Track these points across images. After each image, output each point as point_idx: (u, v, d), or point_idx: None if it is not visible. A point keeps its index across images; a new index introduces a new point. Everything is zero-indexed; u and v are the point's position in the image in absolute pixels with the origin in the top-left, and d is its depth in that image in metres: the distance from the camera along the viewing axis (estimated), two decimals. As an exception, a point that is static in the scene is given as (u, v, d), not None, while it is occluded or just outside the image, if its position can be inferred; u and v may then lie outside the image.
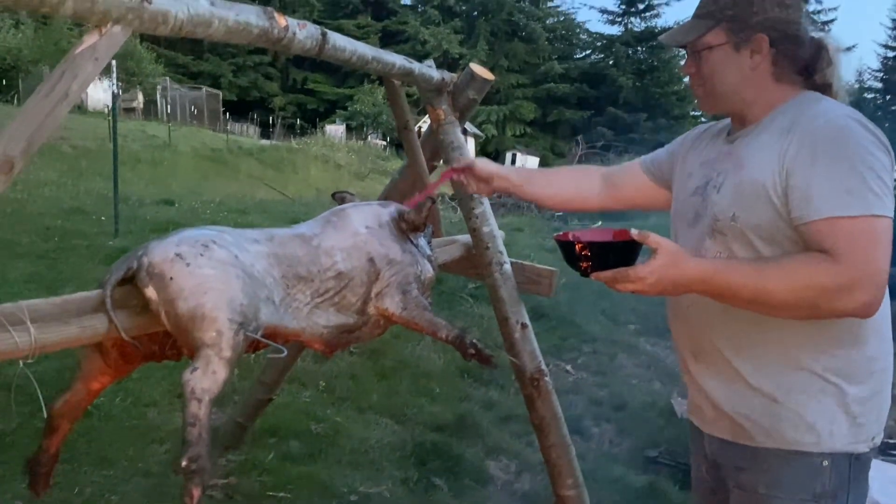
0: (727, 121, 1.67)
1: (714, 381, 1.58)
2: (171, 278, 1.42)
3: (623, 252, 1.39)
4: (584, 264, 1.39)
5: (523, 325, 2.54)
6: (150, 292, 1.42)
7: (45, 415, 1.64)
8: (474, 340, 1.90)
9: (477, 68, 2.56)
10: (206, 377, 1.35)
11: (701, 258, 1.44)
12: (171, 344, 1.59)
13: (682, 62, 1.64)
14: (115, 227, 7.53)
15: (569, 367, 5.30)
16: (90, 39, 1.23)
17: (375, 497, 3.27)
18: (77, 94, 1.20)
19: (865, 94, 43.32)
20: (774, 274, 1.36)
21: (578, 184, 1.97)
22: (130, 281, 1.46)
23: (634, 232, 1.35)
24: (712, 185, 1.55)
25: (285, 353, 1.49)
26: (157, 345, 1.61)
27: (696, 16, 1.57)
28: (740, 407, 1.53)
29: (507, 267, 2.55)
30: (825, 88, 1.55)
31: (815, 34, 1.56)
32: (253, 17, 1.59)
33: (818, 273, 1.33)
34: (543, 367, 2.56)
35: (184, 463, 1.25)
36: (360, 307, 1.81)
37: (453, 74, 2.59)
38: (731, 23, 1.50)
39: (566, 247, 1.43)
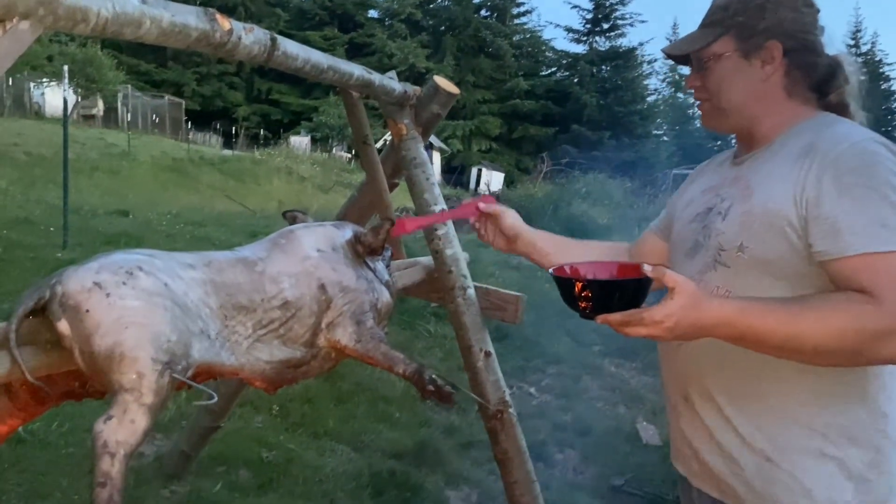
0: (732, 150, 1.54)
1: (702, 430, 1.42)
2: (87, 311, 1.24)
3: (632, 291, 1.20)
4: (585, 304, 1.20)
5: (487, 354, 2.40)
6: (63, 326, 1.25)
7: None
8: (433, 376, 1.74)
9: (442, 81, 2.43)
10: (123, 427, 1.18)
11: (724, 298, 1.26)
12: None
13: (686, 76, 1.50)
14: (64, 239, 7.23)
15: (532, 390, 5.17)
16: (-10, 36, 1.06)
17: (328, 531, 3.10)
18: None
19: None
20: (809, 316, 1.19)
21: (608, 257, 1.73)
22: (42, 312, 1.28)
23: (647, 268, 1.18)
24: (716, 211, 1.41)
25: (215, 399, 1.31)
26: (77, 381, 1.43)
27: (703, 25, 1.45)
28: (729, 463, 1.37)
29: (471, 292, 2.41)
30: (841, 109, 1.42)
31: (832, 51, 1.43)
32: (192, 17, 1.43)
33: (860, 316, 1.17)
34: (508, 398, 2.41)
35: (88, 534, 1.07)
36: (308, 339, 1.65)
37: (416, 88, 2.45)
38: (741, 29, 1.38)
39: (564, 284, 1.22)
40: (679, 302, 1.16)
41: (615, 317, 1.17)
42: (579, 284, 1.20)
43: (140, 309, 1.27)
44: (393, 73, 2.46)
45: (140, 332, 1.24)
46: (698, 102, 1.48)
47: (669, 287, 1.17)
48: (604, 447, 4.34)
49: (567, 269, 1.31)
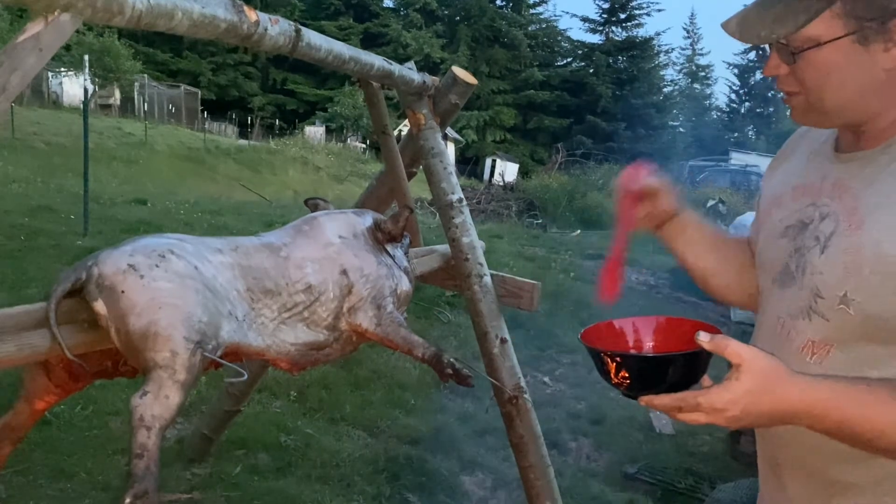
0: (834, 130, 1.18)
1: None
2: (123, 292, 1.30)
3: (682, 366, 0.97)
4: (622, 382, 0.98)
5: (503, 340, 2.44)
6: (100, 307, 1.30)
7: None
8: (452, 360, 1.79)
9: (459, 72, 2.46)
10: (158, 402, 1.23)
11: (812, 379, 0.95)
12: (126, 360, 1.47)
13: (766, 59, 1.10)
14: (85, 227, 7.34)
15: (546, 379, 5.21)
16: (34, 28, 1.12)
17: (346, 514, 3.16)
18: (17, 89, 1.08)
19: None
20: None
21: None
22: (79, 293, 1.34)
23: (704, 338, 0.92)
24: (813, 233, 1.08)
25: (245, 376, 1.37)
26: (110, 361, 1.49)
27: None
28: None
29: (488, 279, 2.45)
30: None
31: None
32: (220, 9, 1.47)
33: None
34: (523, 384, 2.46)
35: (128, 500, 1.13)
36: (331, 323, 1.70)
37: (435, 78, 2.49)
38: (855, 3, 0.98)
39: (595, 356, 1.00)
40: (746, 385, 0.91)
41: (663, 401, 0.95)
42: (610, 362, 0.98)
43: (173, 290, 1.32)
44: (412, 64, 2.50)
45: (173, 312, 1.29)
46: (782, 95, 1.11)
47: (734, 364, 0.92)
48: (617, 436, 4.38)
49: (601, 331, 1.09)
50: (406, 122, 2.54)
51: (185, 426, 3.59)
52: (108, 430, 3.46)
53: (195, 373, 1.30)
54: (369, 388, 4.47)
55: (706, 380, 0.98)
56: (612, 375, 0.97)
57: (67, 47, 22.37)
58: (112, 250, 1.38)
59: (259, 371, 3.06)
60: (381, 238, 1.94)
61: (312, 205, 2.05)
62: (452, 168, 2.55)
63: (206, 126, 29.19)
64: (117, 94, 27.11)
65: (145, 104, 25.85)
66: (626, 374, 0.96)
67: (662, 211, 1.30)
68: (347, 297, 1.74)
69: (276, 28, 1.63)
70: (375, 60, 2.13)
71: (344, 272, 1.75)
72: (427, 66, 35.62)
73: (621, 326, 1.12)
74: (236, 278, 1.51)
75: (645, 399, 0.97)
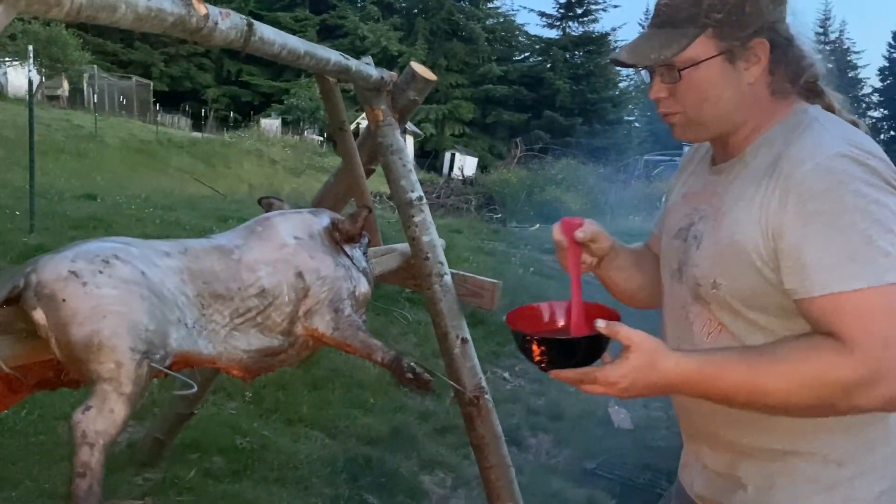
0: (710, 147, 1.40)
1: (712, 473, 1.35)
2: (64, 300, 1.23)
3: (586, 347, 1.15)
4: (539, 359, 1.16)
5: (463, 340, 2.41)
6: (39, 315, 1.23)
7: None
8: (412, 363, 1.75)
9: (419, 68, 2.42)
10: (102, 417, 1.17)
11: (684, 354, 1.14)
12: (69, 371, 1.39)
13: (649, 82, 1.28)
14: (31, 223, 7.08)
15: (506, 375, 5.22)
16: (-38, 20, 1.04)
17: (303, 517, 3.10)
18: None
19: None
20: (774, 371, 1.09)
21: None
22: (16, 301, 1.26)
23: (601, 325, 1.12)
24: (693, 234, 1.28)
25: (195, 388, 1.31)
26: (52, 371, 1.41)
27: (666, 23, 1.22)
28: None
29: (448, 279, 2.42)
30: (815, 95, 1.28)
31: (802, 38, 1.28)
32: (167, 2, 1.41)
33: (829, 367, 1.07)
34: (484, 384, 2.43)
35: (68, 525, 1.07)
36: (286, 328, 1.65)
37: (393, 73, 2.44)
38: (722, 28, 1.18)
39: (518, 336, 1.19)
40: (634, 362, 1.10)
41: (568, 374, 1.14)
42: (530, 341, 1.15)
43: (117, 297, 1.26)
44: (369, 59, 2.44)
45: (118, 320, 1.23)
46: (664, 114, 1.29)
47: (625, 345, 1.11)
48: (576, 431, 4.40)
49: (522, 315, 1.27)
50: (364, 115, 2.49)
51: (137, 429, 3.49)
52: (55, 435, 3.33)
53: (142, 384, 1.24)
54: (327, 388, 4.41)
55: (606, 357, 1.16)
56: (533, 354, 1.15)
57: (12, 36, 21.66)
58: (52, 256, 1.31)
59: (212, 373, 2.98)
60: (338, 238, 1.89)
61: (267, 204, 1.99)
62: (412, 165, 2.51)
63: (159, 118, 28.57)
64: (65, 85, 26.31)
65: (95, 96, 25.13)
66: (543, 353, 1.15)
67: (601, 252, 1.42)
68: (303, 301, 1.69)
69: (226, 22, 1.57)
70: (332, 56, 2.08)
71: (299, 274, 1.69)
72: (385, 59, 35.39)
73: (541, 309, 1.31)
74: (185, 283, 1.45)
75: (555, 373, 1.15)
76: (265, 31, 1.72)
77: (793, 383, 1.08)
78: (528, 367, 5.42)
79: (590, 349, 1.15)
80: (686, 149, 1.50)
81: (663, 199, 1.52)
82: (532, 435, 4.32)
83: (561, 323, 1.30)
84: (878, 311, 1.05)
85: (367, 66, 2.30)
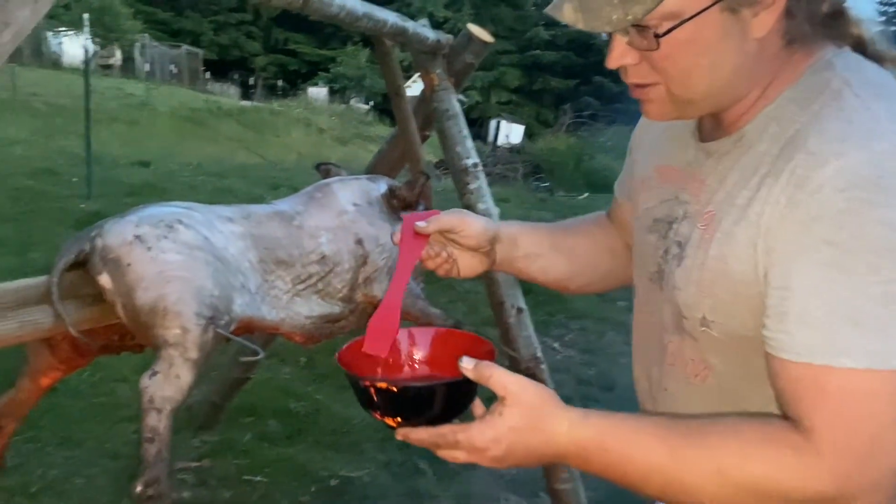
0: None
1: None
2: (129, 264, 1.23)
3: (449, 395, 0.83)
4: (382, 411, 0.84)
5: (519, 310, 2.38)
6: (105, 280, 1.24)
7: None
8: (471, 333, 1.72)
9: (475, 29, 2.36)
10: (168, 383, 1.17)
11: (582, 415, 0.83)
12: (133, 335, 1.40)
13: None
14: (88, 189, 7.26)
15: (556, 345, 5.17)
16: (27, -20, 1.02)
17: (357, 481, 3.13)
18: (10, 45, 1.00)
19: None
20: (702, 463, 0.78)
21: (612, 248, 1.20)
22: (83, 266, 1.27)
23: (468, 364, 0.81)
24: (675, 236, 0.93)
25: (262, 355, 1.30)
26: (117, 335, 1.42)
27: None
28: None
29: (504, 247, 2.38)
30: (842, 29, 0.88)
31: None
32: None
33: (782, 471, 0.76)
34: (539, 353, 2.40)
35: (138, 489, 1.07)
36: (346, 294, 1.64)
37: (449, 36, 2.38)
38: None
39: (350, 379, 0.86)
40: (511, 421, 0.80)
41: (419, 435, 0.83)
42: (368, 385, 0.83)
43: (182, 263, 1.25)
44: (426, 21, 2.39)
45: (183, 286, 1.23)
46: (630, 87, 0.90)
47: (499, 395, 0.81)
48: (628, 402, 4.33)
49: (353, 354, 0.93)
50: (413, 80, 2.44)
51: (195, 393, 3.55)
52: (115, 396, 3.43)
53: (207, 350, 1.24)
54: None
55: (478, 407, 0.86)
56: (372, 405, 0.84)
57: (67, 6, 22.06)
58: (117, 220, 1.31)
59: (269, 338, 3.01)
60: (395, 205, 1.86)
61: (324, 170, 1.97)
62: (467, 131, 2.46)
63: (208, 87, 28.89)
64: (118, 54, 26.76)
65: (147, 64, 25.52)
66: (385, 403, 0.83)
67: (475, 243, 1.06)
68: (362, 268, 1.67)
69: (286, -18, 1.54)
70: (389, 17, 2.04)
71: (359, 241, 1.68)
72: (431, 25, 35.04)
73: (398, 339, 0.98)
74: (248, 248, 1.44)
75: (401, 433, 0.84)
76: (324, -9, 1.69)
77: (725, 486, 0.77)
78: (579, 338, 5.38)
79: (452, 399, 0.83)
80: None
81: (628, 151, 1.15)
82: (583, 406, 4.27)
83: (420, 356, 0.98)
84: (870, 404, 0.73)
85: (423, 28, 2.25)
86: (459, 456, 0.83)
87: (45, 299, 1.19)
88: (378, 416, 0.84)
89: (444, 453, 0.84)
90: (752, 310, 0.82)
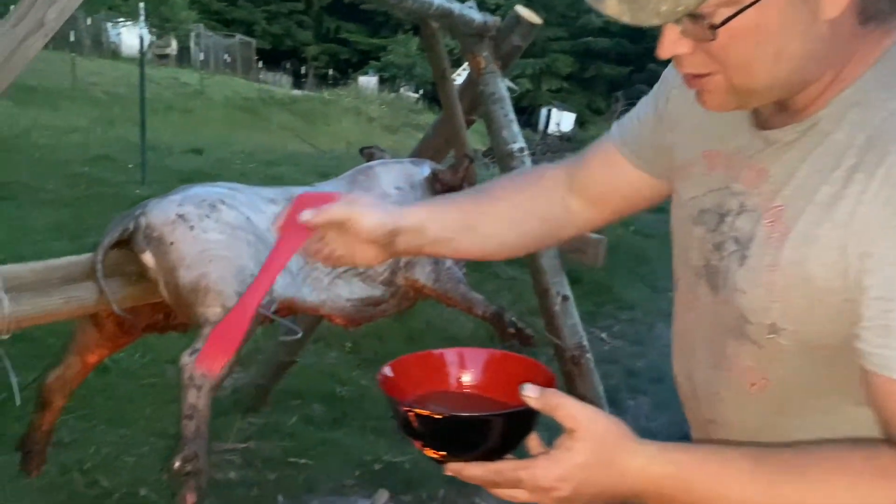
0: None
1: None
2: (172, 243, 1.24)
3: (508, 427, 0.74)
4: (427, 442, 0.75)
5: (564, 298, 2.34)
6: (148, 258, 1.25)
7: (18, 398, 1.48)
8: (513, 319, 1.70)
9: (523, 11, 2.31)
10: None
11: (659, 449, 0.74)
12: (177, 314, 1.42)
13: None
14: (143, 175, 7.43)
15: (604, 336, 5.10)
16: (70, -42, 1.03)
17: (400, 466, 3.14)
18: (55, 24, 1.00)
19: None
20: (806, 497, 0.71)
21: (542, 214, 1.08)
22: (127, 244, 1.28)
23: (532, 393, 0.72)
24: (731, 233, 0.85)
25: (300, 334, 1.30)
26: (161, 314, 1.44)
27: None
28: None
29: (550, 233, 2.34)
30: None
31: None
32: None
33: (879, 495, 0.69)
34: (585, 343, 2.36)
35: (176, 464, 1.08)
36: (387, 277, 1.62)
37: (496, 18, 2.35)
38: None
39: (393, 405, 0.77)
40: (580, 457, 0.72)
41: (474, 471, 0.74)
42: (412, 414, 0.73)
43: (224, 242, 1.25)
44: (472, 2, 2.36)
45: (224, 265, 1.23)
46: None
47: (567, 428, 0.72)
48: (677, 395, 4.26)
49: (395, 370, 0.83)
50: (460, 70, 2.41)
51: (242, 376, 3.61)
52: (166, 378, 3.49)
53: (249, 329, 1.23)
54: (423, 341, 4.43)
55: (535, 441, 0.76)
56: (415, 434, 0.74)
57: (125, -3, 22.60)
58: (161, 199, 1.32)
59: (313, 322, 3.03)
60: (438, 189, 1.84)
61: (368, 154, 1.96)
62: (513, 115, 2.42)
63: (261, 76, 29.29)
64: (174, 44, 27.31)
65: (201, 54, 26.00)
66: (432, 434, 0.74)
67: (368, 237, 0.94)
68: (405, 251, 1.66)
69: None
70: (435, -1, 2.01)
71: (401, 224, 1.66)
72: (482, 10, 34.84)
73: (446, 359, 0.87)
74: (290, 230, 1.44)
75: (452, 468, 0.75)
76: (369, -29, 1.67)
77: None
78: (627, 329, 5.29)
79: (510, 432, 0.74)
80: None
81: (651, 100, 1.03)
82: (631, 397, 4.22)
83: (467, 379, 0.87)
84: None
85: (469, 10, 2.22)
86: (520, 496, 0.74)
87: (90, 276, 1.21)
88: (419, 447, 0.75)
89: (501, 492, 0.75)
90: (833, 318, 0.74)
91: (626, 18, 0.72)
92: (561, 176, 1.08)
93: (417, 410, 0.73)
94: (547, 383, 0.75)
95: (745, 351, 0.84)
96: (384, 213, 0.94)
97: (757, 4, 0.68)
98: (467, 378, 0.86)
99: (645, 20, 0.71)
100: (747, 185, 0.83)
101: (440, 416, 0.73)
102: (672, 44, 0.75)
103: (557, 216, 1.07)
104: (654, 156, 0.99)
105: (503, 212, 1.05)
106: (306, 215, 0.90)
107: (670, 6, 0.68)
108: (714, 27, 0.70)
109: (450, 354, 0.86)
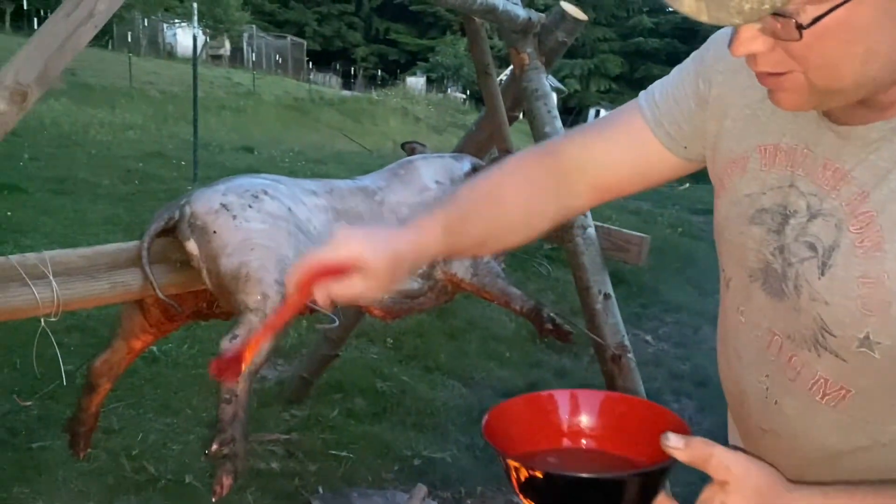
0: None
1: None
2: (215, 232, 1.26)
3: (644, 485, 0.66)
4: (542, 500, 0.66)
5: (606, 296, 2.31)
6: (192, 246, 1.28)
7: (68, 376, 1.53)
8: (552, 314, 1.69)
9: (569, 7, 2.30)
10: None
11: (820, 491, 0.69)
12: (220, 303, 1.45)
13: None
14: (195, 172, 7.60)
15: (649, 338, 5.03)
16: (119, -49, 1.06)
17: (439, 462, 3.14)
18: (104, 16, 1.03)
19: None
20: None
21: (553, 216, 0.99)
22: (172, 232, 1.32)
23: (677, 443, 0.64)
24: (802, 236, 0.79)
25: (337, 323, 1.32)
26: (205, 302, 1.47)
27: None
28: None
29: (591, 231, 2.32)
30: None
31: None
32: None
33: None
34: (626, 342, 2.33)
35: (213, 447, 1.11)
36: (425, 271, 1.63)
37: (541, 14, 2.34)
38: None
39: (503, 458, 0.68)
40: None
41: None
42: (525, 472, 0.64)
43: (265, 232, 1.28)
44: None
45: (265, 254, 1.25)
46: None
47: (718, 480, 0.66)
48: (722, 399, 4.17)
49: (525, 403, 0.75)
50: (507, 71, 2.41)
51: (286, 369, 3.67)
52: (213, 369, 3.57)
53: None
54: (464, 339, 4.44)
55: (663, 500, 0.68)
56: (527, 491, 0.65)
57: (181, -1, 23.16)
58: (205, 189, 1.35)
59: (356, 316, 3.06)
60: (480, 184, 1.84)
61: (409, 148, 1.98)
62: (556, 111, 2.41)
63: (311, 77, 29.69)
64: (227, 44, 27.87)
65: (253, 55, 26.48)
66: (553, 493, 0.65)
67: (379, 270, 0.82)
68: (444, 245, 1.66)
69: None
70: (478, -6, 2.01)
71: (441, 218, 1.67)
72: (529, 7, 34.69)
73: (554, 400, 0.77)
74: (330, 221, 1.46)
75: None
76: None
77: None
78: (673, 331, 5.21)
79: (644, 492, 0.66)
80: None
81: (680, 81, 0.96)
82: (675, 400, 4.16)
83: (583, 424, 0.77)
84: None
85: (514, 6, 2.21)
86: None
87: (136, 263, 1.24)
88: None
89: None
90: None
91: (705, 18, 0.68)
92: (562, 162, 0.98)
93: (544, 470, 0.64)
94: (680, 430, 0.67)
95: (822, 362, 0.79)
96: (385, 270, 0.82)
97: (848, 3, 0.63)
98: (583, 423, 0.77)
99: (725, 19, 0.66)
100: (820, 185, 0.77)
101: (568, 476, 0.65)
102: (748, 41, 0.70)
103: (557, 209, 1.00)
104: (692, 140, 0.92)
105: (494, 218, 0.96)
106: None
107: (755, 4, 0.63)
108: (801, 27, 0.65)
109: (561, 396, 0.77)
